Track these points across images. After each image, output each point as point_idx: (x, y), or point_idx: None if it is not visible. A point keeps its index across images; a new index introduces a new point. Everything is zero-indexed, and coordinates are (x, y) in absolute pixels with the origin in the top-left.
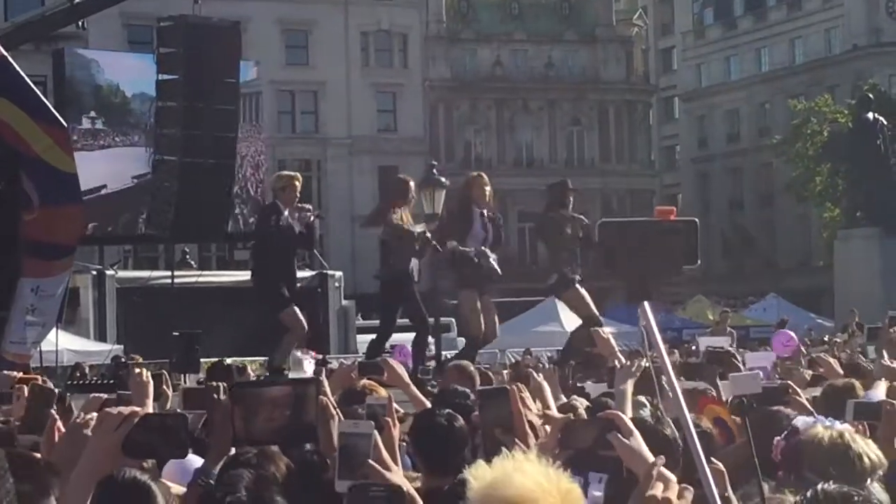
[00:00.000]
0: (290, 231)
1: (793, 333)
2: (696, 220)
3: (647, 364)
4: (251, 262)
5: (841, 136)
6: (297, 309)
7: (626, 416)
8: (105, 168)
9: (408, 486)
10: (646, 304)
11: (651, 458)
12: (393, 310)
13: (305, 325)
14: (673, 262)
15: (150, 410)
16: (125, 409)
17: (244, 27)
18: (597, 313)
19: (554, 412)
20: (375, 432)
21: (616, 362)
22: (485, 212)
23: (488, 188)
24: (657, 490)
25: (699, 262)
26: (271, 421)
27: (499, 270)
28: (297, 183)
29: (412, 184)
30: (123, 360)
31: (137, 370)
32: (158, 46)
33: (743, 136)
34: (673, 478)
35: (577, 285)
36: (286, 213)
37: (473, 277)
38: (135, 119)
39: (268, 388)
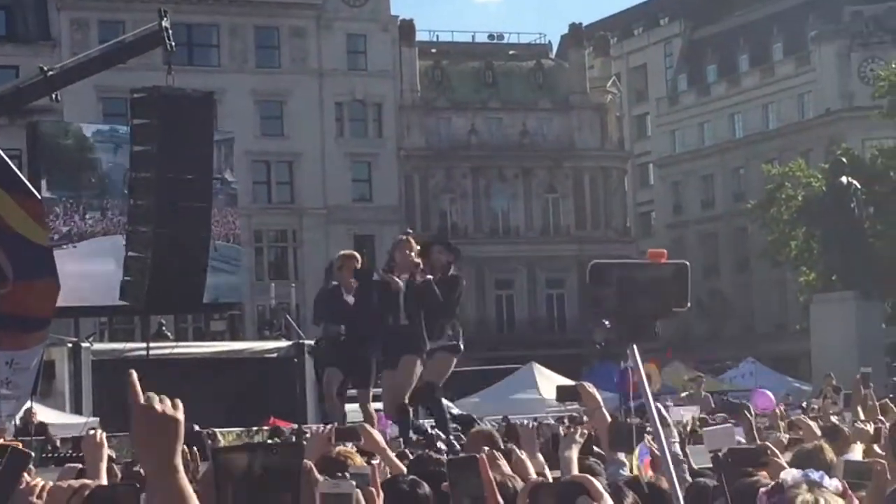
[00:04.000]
0: (348, 314)
1: (770, 393)
2: (687, 262)
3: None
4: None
5: (815, 200)
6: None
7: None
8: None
9: None
10: (634, 346)
11: None
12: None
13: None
14: (663, 304)
15: (104, 473)
16: (75, 483)
17: (219, 98)
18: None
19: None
20: (358, 491)
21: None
22: (409, 277)
23: (413, 252)
24: None
25: (689, 305)
26: (254, 488)
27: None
28: (352, 262)
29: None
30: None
31: (92, 431)
32: (132, 118)
33: (717, 201)
34: None
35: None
36: (346, 296)
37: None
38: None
39: (250, 453)
